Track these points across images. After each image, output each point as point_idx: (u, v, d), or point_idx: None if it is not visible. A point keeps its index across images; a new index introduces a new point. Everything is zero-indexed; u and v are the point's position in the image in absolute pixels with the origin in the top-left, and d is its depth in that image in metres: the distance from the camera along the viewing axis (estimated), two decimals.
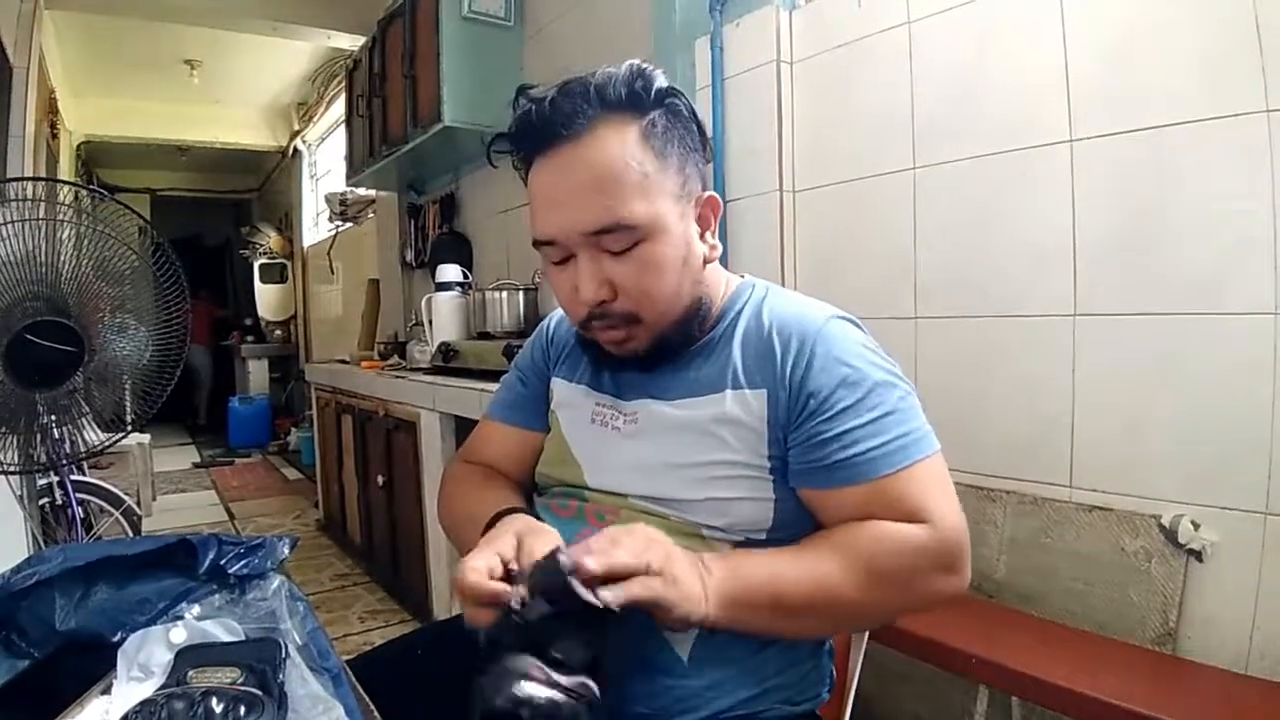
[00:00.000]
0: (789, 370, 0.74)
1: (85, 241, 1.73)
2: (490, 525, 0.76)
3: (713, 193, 0.80)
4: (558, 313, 0.96)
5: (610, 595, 0.58)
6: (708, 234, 0.80)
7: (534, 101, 0.73)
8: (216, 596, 0.74)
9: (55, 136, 4.05)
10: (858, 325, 0.80)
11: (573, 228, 0.72)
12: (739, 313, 0.81)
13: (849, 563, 0.68)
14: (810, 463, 0.73)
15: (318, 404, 3.53)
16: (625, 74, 0.73)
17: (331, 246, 5.05)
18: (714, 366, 0.78)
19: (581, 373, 0.88)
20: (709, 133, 0.87)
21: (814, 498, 0.74)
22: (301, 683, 0.61)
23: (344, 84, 3.60)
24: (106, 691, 0.62)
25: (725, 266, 0.88)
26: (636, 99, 0.73)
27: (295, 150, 5.95)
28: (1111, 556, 1.24)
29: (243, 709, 0.56)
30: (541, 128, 0.72)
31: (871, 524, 0.70)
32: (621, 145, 0.71)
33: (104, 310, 1.76)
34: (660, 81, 0.74)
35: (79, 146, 5.44)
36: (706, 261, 0.80)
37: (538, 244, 0.77)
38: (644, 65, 0.74)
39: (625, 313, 0.75)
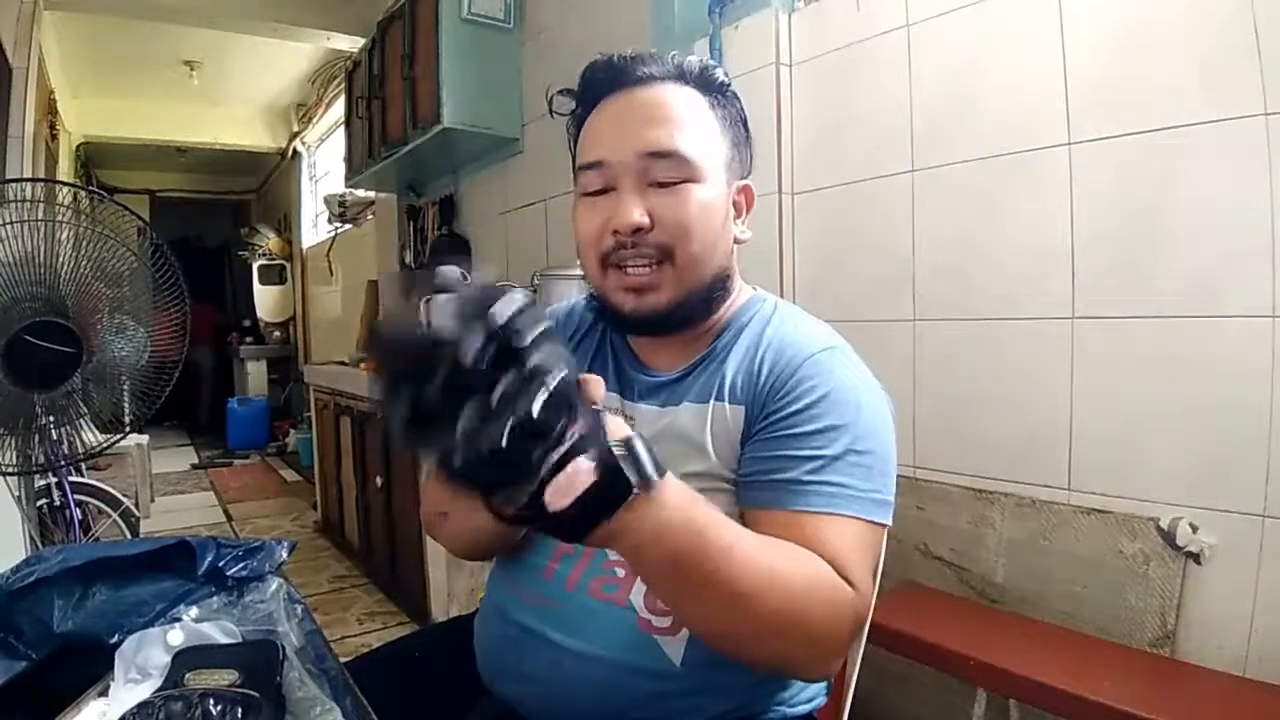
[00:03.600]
0: (765, 390, 0.73)
1: (84, 242, 1.73)
2: None
3: (749, 183, 0.82)
4: (561, 305, 0.95)
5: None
6: (740, 220, 0.81)
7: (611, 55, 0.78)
8: (214, 599, 0.74)
9: (54, 137, 4.05)
10: (859, 360, 0.77)
11: (629, 147, 0.73)
12: (744, 328, 0.80)
13: (788, 578, 0.60)
14: (745, 477, 0.72)
15: (316, 405, 3.53)
16: (697, 59, 0.78)
17: (330, 248, 5.04)
18: (710, 379, 0.78)
19: (585, 369, 0.87)
20: None
21: (744, 514, 0.71)
22: (299, 685, 0.61)
23: (343, 85, 3.59)
24: (104, 693, 0.62)
25: None
26: (707, 81, 0.78)
27: (294, 151, 5.95)
28: (1110, 559, 1.24)
29: (240, 711, 0.56)
30: (617, 69, 0.76)
31: (820, 560, 0.63)
32: (692, 98, 0.76)
33: (102, 311, 1.76)
34: (724, 76, 0.80)
35: (78, 147, 5.44)
36: (736, 242, 0.81)
37: (580, 170, 0.78)
38: (711, 60, 0.80)
39: (660, 244, 0.73)
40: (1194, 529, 1.15)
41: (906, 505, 1.51)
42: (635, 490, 0.47)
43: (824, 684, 0.82)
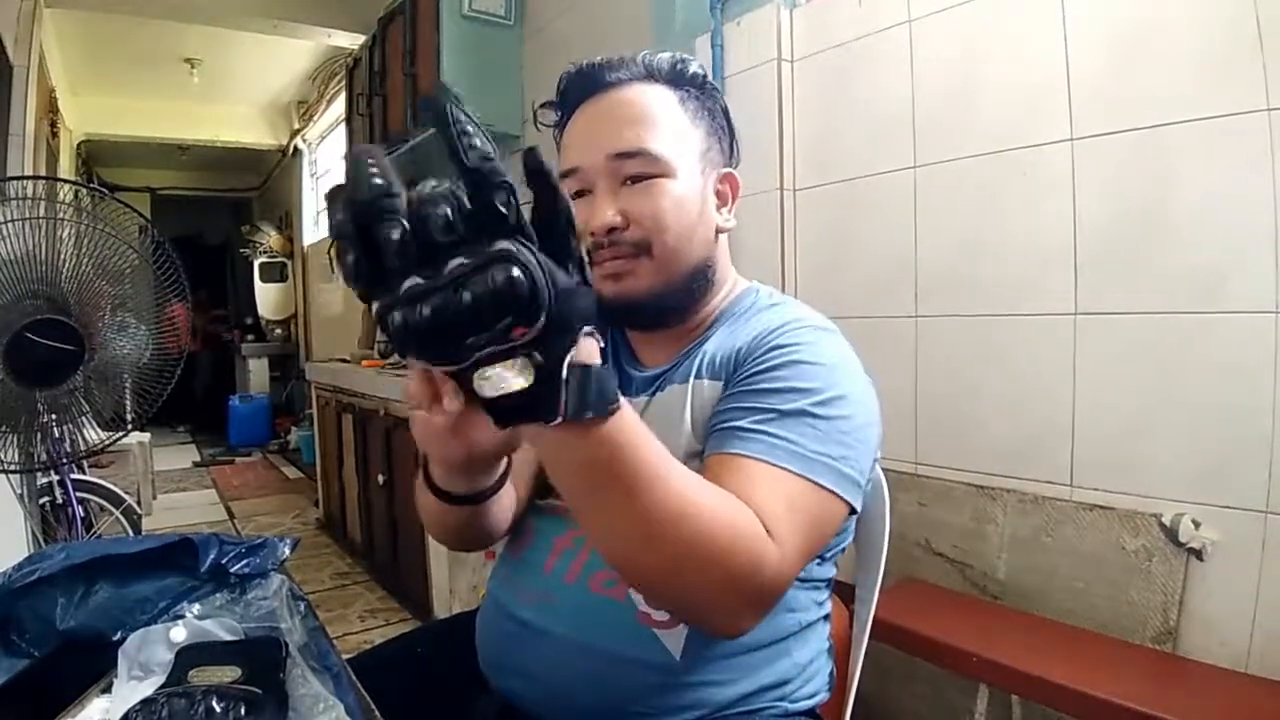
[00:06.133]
0: (742, 359, 0.74)
1: (85, 240, 1.73)
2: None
3: (733, 171, 0.83)
4: None
5: None
6: (724, 209, 0.82)
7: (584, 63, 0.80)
8: (217, 595, 0.74)
9: (55, 135, 4.04)
10: (845, 343, 0.76)
11: (599, 150, 0.76)
12: (734, 317, 0.81)
13: (712, 516, 0.57)
14: (705, 434, 0.73)
15: (318, 403, 3.53)
16: (667, 55, 0.80)
17: (332, 245, 5.04)
18: (695, 360, 0.78)
19: None
20: None
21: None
22: (302, 681, 0.61)
23: (344, 82, 3.59)
24: (107, 690, 0.62)
25: None
26: (676, 76, 0.79)
27: (296, 149, 5.94)
28: (1112, 555, 1.24)
29: (243, 708, 0.56)
30: (588, 76, 0.79)
31: (749, 510, 0.60)
32: (658, 96, 0.78)
33: (104, 309, 1.76)
34: (697, 69, 0.81)
35: (79, 145, 5.43)
36: (719, 232, 0.81)
37: (560, 179, 0.78)
38: (685, 55, 0.81)
39: (636, 240, 0.75)
40: (1196, 525, 1.15)
41: (908, 501, 1.50)
42: (558, 418, 0.44)
43: (827, 680, 0.82)
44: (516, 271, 0.37)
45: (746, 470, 0.64)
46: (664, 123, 0.76)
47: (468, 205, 0.38)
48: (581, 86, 0.79)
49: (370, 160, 0.38)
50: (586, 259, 0.44)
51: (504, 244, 0.38)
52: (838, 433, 0.68)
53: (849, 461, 0.68)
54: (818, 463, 0.65)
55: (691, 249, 0.77)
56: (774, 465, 0.64)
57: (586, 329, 0.44)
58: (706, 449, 0.70)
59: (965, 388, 1.45)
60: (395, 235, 0.37)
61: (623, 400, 0.50)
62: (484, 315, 0.38)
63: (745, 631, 0.64)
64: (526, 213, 0.41)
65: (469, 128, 0.39)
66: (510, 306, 0.38)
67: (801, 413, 0.67)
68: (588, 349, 0.46)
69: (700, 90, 0.80)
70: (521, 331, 0.39)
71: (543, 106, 0.84)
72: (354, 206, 0.38)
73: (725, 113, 0.83)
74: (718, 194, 0.81)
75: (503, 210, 0.38)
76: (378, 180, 0.38)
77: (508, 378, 0.41)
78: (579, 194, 0.78)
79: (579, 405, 0.45)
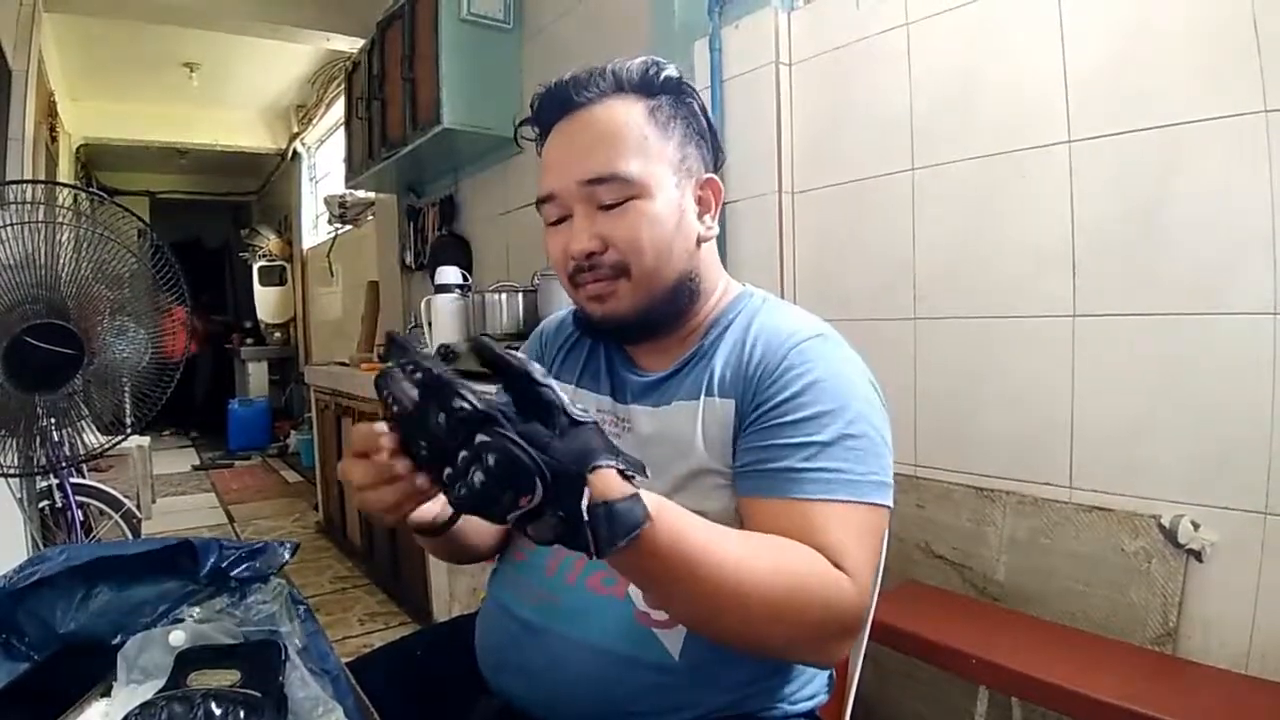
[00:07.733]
0: (755, 380, 0.74)
1: (84, 244, 1.73)
2: None
3: (714, 176, 0.82)
4: (552, 318, 0.97)
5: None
6: (706, 216, 0.81)
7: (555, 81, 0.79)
8: (217, 599, 0.74)
9: (54, 139, 4.05)
10: (848, 348, 0.77)
11: (571, 177, 0.75)
12: (731, 323, 0.80)
13: (773, 574, 0.61)
14: (739, 468, 0.73)
15: (317, 406, 3.53)
16: (639, 62, 0.78)
17: (331, 249, 5.05)
18: (699, 375, 0.78)
19: (579, 374, 0.88)
20: None
21: (740, 504, 0.73)
22: (302, 685, 0.61)
23: (343, 86, 3.59)
24: (106, 694, 0.62)
25: (724, 267, 0.88)
26: (647, 84, 0.78)
27: (294, 153, 5.95)
28: (1111, 557, 1.24)
29: (243, 712, 0.56)
30: (559, 97, 0.78)
31: (810, 551, 0.64)
32: (626, 113, 0.76)
33: (103, 313, 1.76)
34: (671, 72, 0.79)
35: (78, 149, 5.44)
36: (702, 240, 0.80)
37: (539, 204, 0.80)
38: (658, 58, 0.79)
39: (615, 263, 0.75)
40: (1195, 526, 1.15)
41: (907, 504, 1.51)
42: (592, 556, 0.51)
43: (826, 682, 0.82)
44: (491, 457, 0.46)
45: (810, 513, 0.67)
46: (634, 141, 0.75)
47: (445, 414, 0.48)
48: (552, 108, 0.79)
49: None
50: (568, 405, 0.51)
51: (481, 436, 0.47)
52: (874, 445, 0.71)
53: (886, 469, 0.71)
54: (868, 484, 0.69)
55: (671, 264, 0.77)
56: (834, 501, 0.67)
57: (597, 463, 0.50)
58: (754, 489, 0.71)
59: (964, 389, 1.45)
60: (423, 449, 0.51)
61: (653, 503, 0.54)
62: (494, 492, 0.47)
63: (841, 658, 0.69)
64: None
65: (415, 359, 0.52)
66: (506, 482, 0.46)
67: (841, 438, 0.69)
68: (603, 484, 0.51)
69: (675, 95, 0.79)
70: (527, 499, 0.47)
71: (522, 124, 0.84)
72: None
73: (704, 113, 0.82)
74: (699, 200, 0.80)
75: (464, 409, 0.48)
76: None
77: (541, 532, 0.50)
78: (560, 220, 0.78)
79: (609, 538, 0.50)
